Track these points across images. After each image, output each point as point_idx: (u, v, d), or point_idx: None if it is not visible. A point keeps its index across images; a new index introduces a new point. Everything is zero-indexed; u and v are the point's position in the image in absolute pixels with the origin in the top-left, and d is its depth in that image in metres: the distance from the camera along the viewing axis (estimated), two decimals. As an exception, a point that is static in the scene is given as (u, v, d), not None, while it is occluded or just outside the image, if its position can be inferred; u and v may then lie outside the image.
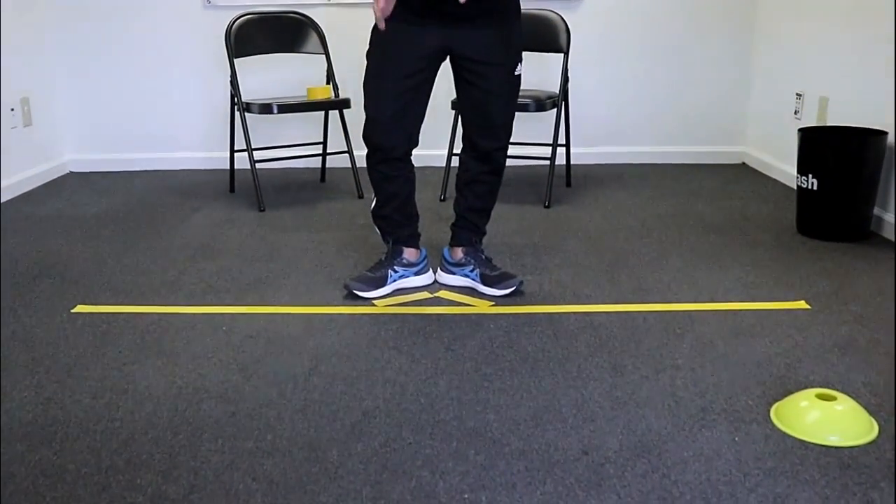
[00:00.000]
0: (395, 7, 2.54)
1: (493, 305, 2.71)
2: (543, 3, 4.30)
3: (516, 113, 2.77)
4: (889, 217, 3.35)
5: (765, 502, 1.66)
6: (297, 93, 4.29)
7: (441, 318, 2.60)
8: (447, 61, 2.67)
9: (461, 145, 2.84)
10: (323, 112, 4.36)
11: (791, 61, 4.30)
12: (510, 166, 2.99)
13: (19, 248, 3.40)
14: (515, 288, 2.77)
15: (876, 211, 3.39)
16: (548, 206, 3.91)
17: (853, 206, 3.29)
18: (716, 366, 2.25)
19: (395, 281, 2.81)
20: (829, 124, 3.82)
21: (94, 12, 4.72)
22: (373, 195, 2.81)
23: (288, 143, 4.61)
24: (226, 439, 1.91)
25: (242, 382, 2.19)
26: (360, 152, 2.73)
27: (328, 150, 4.45)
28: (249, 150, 4.02)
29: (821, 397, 1.95)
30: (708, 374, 2.21)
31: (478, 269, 2.82)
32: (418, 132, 2.69)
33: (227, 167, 4.34)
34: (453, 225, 2.89)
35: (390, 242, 2.83)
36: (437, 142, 4.43)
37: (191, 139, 4.90)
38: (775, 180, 4.41)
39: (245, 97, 4.07)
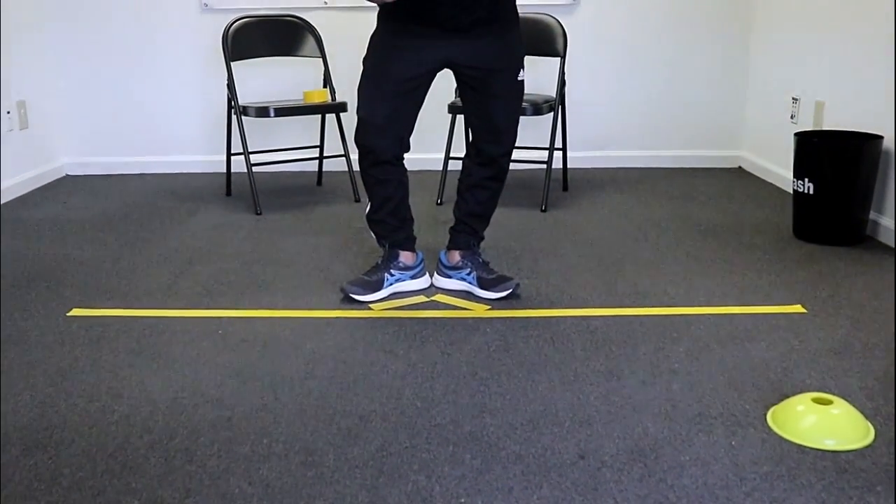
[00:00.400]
0: (397, 15, 2.55)
1: (489, 309, 2.70)
2: (540, 7, 4.30)
3: (513, 117, 2.78)
4: (885, 221, 3.35)
5: (761, 507, 1.66)
6: (294, 96, 4.29)
7: (437, 322, 2.60)
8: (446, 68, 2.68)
9: (465, 150, 2.84)
10: (320, 115, 4.36)
11: (787, 66, 4.30)
12: (507, 170, 2.99)
13: (15, 251, 3.39)
14: (512, 291, 2.77)
15: (872, 215, 3.39)
16: (544, 210, 3.91)
17: (849, 211, 3.30)
18: (712, 370, 2.25)
19: (391, 284, 2.81)
20: (825, 128, 3.82)
21: (91, 16, 4.72)
22: (368, 199, 2.80)
23: (285, 146, 4.61)
24: (221, 443, 1.91)
25: (238, 386, 2.19)
26: (357, 156, 2.73)
27: (325, 154, 4.45)
28: (246, 153, 4.01)
29: (817, 401, 1.95)
30: (704, 378, 2.21)
31: (474, 273, 2.82)
32: (409, 136, 2.69)
33: (224, 170, 4.34)
34: (452, 229, 2.89)
35: (386, 246, 2.83)
36: (434, 145, 4.43)
37: (187, 142, 4.89)
38: (771, 184, 4.42)
39: (242, 100, 4.07)
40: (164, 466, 1.82)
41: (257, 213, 3.92)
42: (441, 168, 4.17)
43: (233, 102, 4.04)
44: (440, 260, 2.90)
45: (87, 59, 4.78)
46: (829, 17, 3.85)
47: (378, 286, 2.78)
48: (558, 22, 4.11)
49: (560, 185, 4.33)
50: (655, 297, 2.80)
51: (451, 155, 4.14)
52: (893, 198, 3.32)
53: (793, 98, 4.21)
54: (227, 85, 4.05)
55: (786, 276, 2.99)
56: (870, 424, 1.95)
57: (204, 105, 4.79)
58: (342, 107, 4.07)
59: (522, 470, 1.79)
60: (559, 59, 4.10)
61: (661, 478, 1.75)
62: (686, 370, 2.25)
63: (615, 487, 1.72)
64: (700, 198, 4.16)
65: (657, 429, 1.95)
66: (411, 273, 2.85)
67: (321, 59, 4.29)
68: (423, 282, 2.88)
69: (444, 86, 2.97)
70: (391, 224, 2.80)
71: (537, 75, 4.40)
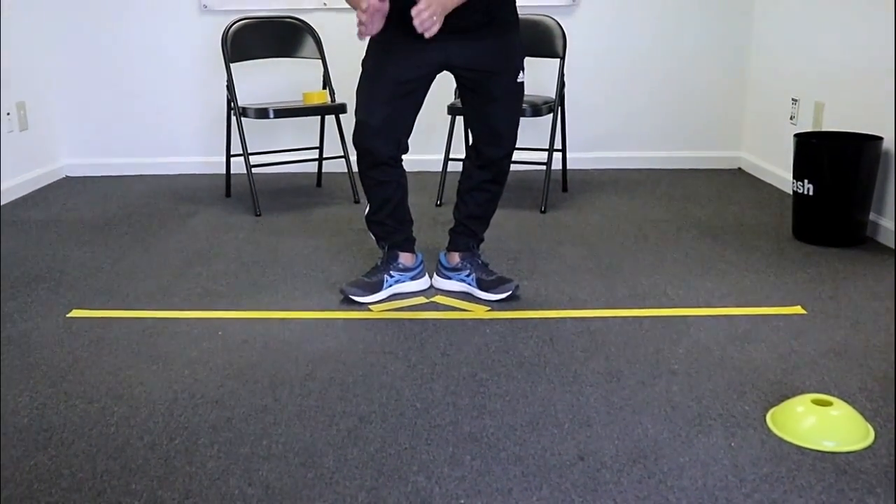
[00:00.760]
0: (395, 18, 2.54)
1: (489, 310, 2.70)
2: (540, 8, 4.30)
3: (512, 119, 2.77)
4: (885, 222, 3.35)
5: (761, 508, 1.66)
6: (294, 98, 4.29)
7: (437, 323, 2.60)
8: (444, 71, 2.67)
9: (465, 152, 2.84)
10: (319, 117, 4.37)
11: (787, 67, 4.31)
12: (506, 171, 2.99)
13: (15, 252, 3.39)
14: (511, 293, 2.77)
15: (872, 216, 3.39)
16: (544, 211, 3.91)
17: (849, 212, 3.30)
18: (712, 371, 2.25)
19: (391, 286, 2.81)
20: (824, 130, 3.82)
21: (91, 17, 4.72)
22: (366, 201, 2.80)
23: (284, 147, 4.62)
24: (221, 444, 1.91)
25: (238, 387, 2.19)
26: (356, 157, 2.73)
27: (324, 155, 4.45)
28: (245, 154, 4.01)
29: (817, 403, 1.95)
30: (704, 379, 2.21)
31: (474, 274, 2.82)
32: (407, 138, 2.68)
33: (224, 172, 4.34)
34: (451, 230, 2.89)
35: (385, 248, 2.83)
36: (433, 147, 4.44)
37: (187, 144, 4.90)
38: (771, 185, 4.42)
39: (241, 102, 4.07)
40: (163, 467, 1.82)
41: (257, 215, 3.92)
42: (441, 169, 4.17)
43: (232, 104, 4.04)
44: (440, 261, 2.90)
45: (87, 60, 4.78)
46: (829, 18, 3.85)
47: (378, 287, 2.78)
48: (558, 23, 4.11)
49: (559, 186, 4.33)
50: (655, 298, 2.80)
51: (451, 156, 4.15)
52: (893, 199, 3.32)
53: (792, 99, 4.21)
54: (227, 86, 4.05)
55: (785, 277, 2.99)
56: (869, 426, 1.95)
57: (203, 106, 4.80)
58: (342, 108, 4.07)
59: (522, 471, 1.79)
60: (559, 60, 4.10)
61: (660, 479, 1.75)
62: (685, 371, 2.25)
63: (615, 489, 1.72)
64: (700, 199, 4.16)
65: (657, 430, 1.95)
66: (411, 274, 2.85)
67: (321, 61, 4.29)
68: (422, 283, 2.88)
69: (444, 87, 2.97)
70: (390, 226, 2.80)
71: (537, 76, 4.40)
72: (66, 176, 4.89)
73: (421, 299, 2.81)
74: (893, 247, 3.28)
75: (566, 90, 4.19)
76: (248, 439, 1.93)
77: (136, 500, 1.70)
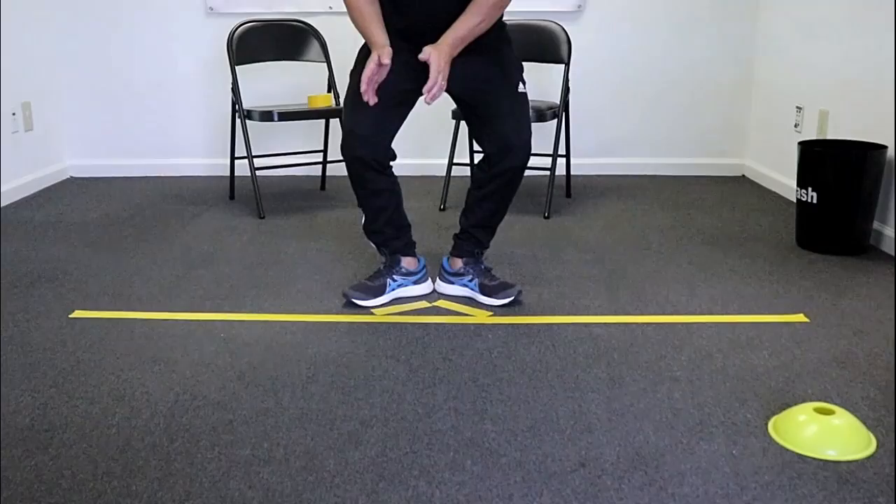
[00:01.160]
0: (390, 32, 2.56)
1: (491, 315, 2.70)
2: (544, 14, 4.31)
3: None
4: (888, 231, 3.35)
5: (762, 516, 1.66)
6: (298, 100, 4.30)
7: (439, 328, 2.60)
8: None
9: (477, 161, 2.82)
10: (324, 120, 4.37)
11: (791, 74, 4.31)
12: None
13: (18, 252, 3.40)
14: (514, 298, 2.77)
15: (875, 225, 3.39)
16: (547, 217, 3.91)
17: (852, 220, 3.29)
18: (714, 378, 2.25)
19: (393, 290, 2.81)
20: (829, 138, 3.82)
21: (97, 18, 4.73)
22: (362, 212, 2.78)
23: (288, 150, 4.62)
24: (222, 447, 1.91)
25: (240, 390, 2.19)
26: (346, 168, 2.70)
27: (328, 158, 4.45)
28: (250, 157, 4.02)
29: (819, 411, 1.95)
30: (706, 386, 2.21)
31: (476, 279, 2.82)
32: (391, 142, 2.65)
33: (228, 174, 4.34)
34: (457, 236, 2.88)
35: (387, 254, 2.83)
36: (437, 151, 4.44)
37: (191, 146, 4.90)
38: (775, 193, 4.42)
39: (246, 104, 4.08)
40: (164, 469, 1.82)
41: (260, 217, 3.92)
42: (444, 174, 4.17)
43: (237, 106, 4.05)
44: (442, 266, 2.90)
45: (93, 61, 4.79)
46: (834, 26, 3.85)
47: (380, 291, 2.78)
48: (563, 29, 4.11)
49: (563, 191, 4.34)
50: (658, 304, 2.80)
51: (455, 161, 4.15)
52: (897, 208, 3.32)
53: (797, 107, 4.21)
54: (232, 89, 4.06)
55: (788, 285, 2.99)
56: (871, 435, 1.94)
57: (208, 109, 4.81)
58: (346, 111, 4.07)
59: (523, 476, 1.79)
60: (563, 66, 4.11)
61: (661, 486, 1.75)
62: (688, 378, 2.25)
63: (615, 495, 1.72)
64: (703, 206, 4.16)
65: (658, 437, 1.95)
66: (413, 279, 2.85)
67: (325, 64, 4.30)
68: (425, 287, 2.88)
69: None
70: (389, 233, 2.79)
71: (541, 82, 4.41)
72: (71, 177, 4.90)
73: (423, 303, 2.81)
74: (895, 256, 3.28)
75: (570, 96, 4.19)
76: (249, 442, 1.93)
77: (136, 502, 1.70)
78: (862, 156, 3.26)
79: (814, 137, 3.95)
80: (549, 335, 2.54)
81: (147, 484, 1.76)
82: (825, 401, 2.11)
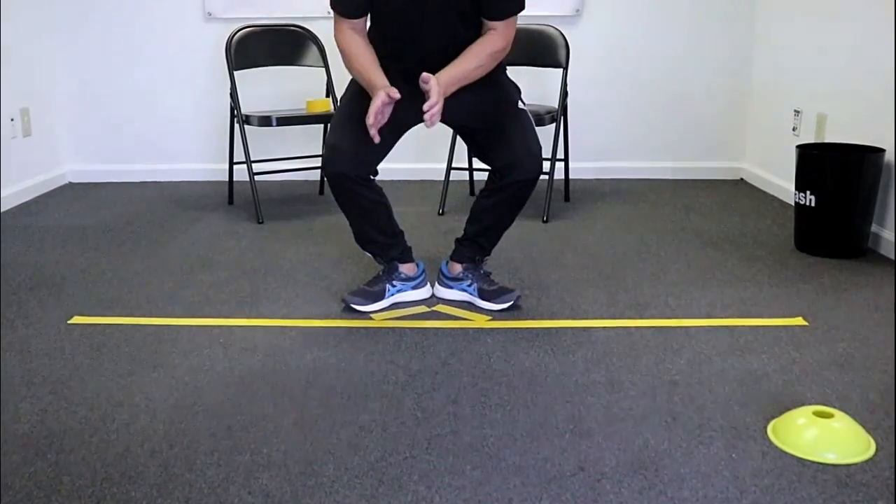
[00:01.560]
0: (389, 64, 2.56)
1: (490, 320, 2.70)
2: (543, 18, 4.31)
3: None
4: (887, 234, 3.35)
5: (761, 520, 1.66)
6: (297, 105, 4.30)
7: (438, 333, 2.60)
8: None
9: (472, 163, 2.81)
10: (322, 125, 4.37)
11: (789, 78, 4.31)
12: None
13: (17, 258, 3.40)
14: (513, 302, 2.77)
15: (874, 228, 3.39)
16: (546, 221, 3.91)
17: (851, 223, 3.30)
18: (713, 382, 2.25)
19: (392, 295, 2.81)
20: (827, 141, 3.82)
21: (95, 23, 4.74)
22: (351, 227, 2.77)
23: (287, 155, 4.62)
24: (221, 453, 1.91)
25: (238, 395, 2.19)
26: (329, 185, 2.68)
27: (327, 163, 4.45)
28: (248, 162, 4.02)
29: (818, 414, 1.95)
30: (705, 390, 2.21)
31: (475, 284, 2.81)
32: (377, 164, 2.63)
33: (226, 179, 4.34)
34: (459, 241, 2.86)
35: (384, 262, 2.82)
36: (435, 156, 4.45)
37: (190, 151, 4.91)
38: (773, 196, 4.42)
39: (245, 109, 4.08)
40: (163, 475, 1.81)
41: (259, 222, 3.92)
42: (443, 178, 4.17)
43: (235, 111, 4.05)
44: (441, 270, 2.90)
45: (91, 66, 4.79)
46: (831, 29, 3.85)
47: (379, 296, 2.78)
48: (561, 33, 4.12)
49: (562, 195, 4.34)
50: (657, 308, 2.80)
51: (453, 165, 4.15)
52: (894, 211, 3.32)
53: (795, 110, 4.22)
54: (230, 94, 4.06)
55: (787, 288, 2.99)
56: (871, 438, 1.94)
57: (207, 114, 4.81)
58: (345, 116, 4.07)
59: (522, 481, 1.79)
60: (561, 69, 4.11)
61: (661, 490, 1.75)
62: (687, 382, 2.25)
63: (615, 499, 1.72)
64: (701, 209, 4.16)
65: (657, 441, 1.95)
66: (412, 284, 2.85)
67: (324, 69, 4.30)
68: (424, 292, 2.88)
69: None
70: (383, 242, 2.78)
71: (540, 86, 4.42)
72: (69, 182, 4.90)
73: (422, 308, 2.81)
74: (894, 258, 3.28)
75: (569, 100, 4.19)
76: (248, 447, 1.93)
77: (135, 508, 1.70)
78: (860, 159, 3.26)
79: (812, 141, 3.96)
80: (547, 339, 2.54)
81: (146, 490, 1.76)
82: (824, 404, 2.11)
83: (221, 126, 4.53)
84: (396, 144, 2.68)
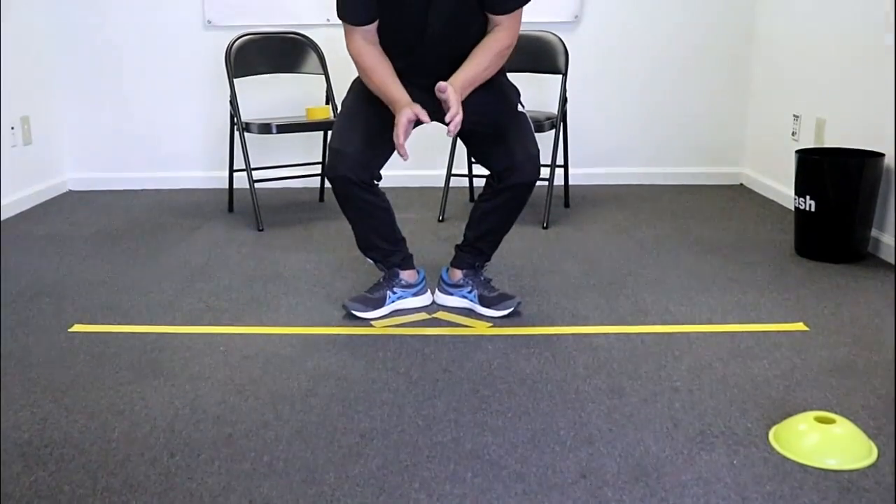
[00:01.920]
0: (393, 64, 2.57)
1: (491, 327, 2.70)
2: (542, 25, 4.32)
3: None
4: (886, 238, 3.35)
5: (763, 526, 1.66)
6: (297, 113, 4.30)
7: (439, 340, 2.60)
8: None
9: (472, 170, 2.81)
10: (322, 132, 4.38)
11: (788, 83, 4.32)
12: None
13: (17, 266, 3.40)
14: (513, 309, 2.77)
15: (873, 233, 3.39)
16: (546, 227, 3.91)
17: (851, 228, 3.30)
18: (714, 388, 2.25)
19: (393, 302, 2.81)
20: (826, 146, 3.83)
21: (95, 31, 4.74)
22: (353, 233, 2.77)
23: (287, 162, 4.63)
24: (222, 461, 1.90)
25: (239, 403, 2.18)
26: (333, 190, 2.68)
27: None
28: (248, 169, 4.02)
29: (819, 420, 1.95)
30: (706, 396, 2.20)
31: (476, 291, 2.81)
32: (380, 168, 2.63)
33: (226, 186, 4.35)
34: (458, 248, 2.86)
35: (385, 269, 2.83)
36: (435, 162, 4.45)
37: (190, 158, 4.91)
38: (773, 201, 4.42)
39: (244, 117, 4.08)
40: (164, 483, 1.81)
41: (259, 230, 3.93)
42: (443, 185, 4.17)
43: (235, 119, 4.06)
44: (441, 277, 2.90)
45: (91, 74, 4.80)
46: (829, 35, 3.86)
47: (380, 303, 2.78)
48: (560, 39, 4.12)
49: (562, 201, 4.34)
50: (657, 314, 2.80)
51: (453, 172, 4.16)
52: (894, 215, 3.32)
53: (794, 115, 4.22)
54: (230, 101, 4.07)
55: (788, 293, 2.99)
56: (872, 444, 1.94)
57: (207, 121, 4.81)
58: (344, 123, 4.07)
59: (524, 489, 1.78)
60: (560, 76, 4.12)
61: (662, 497, 1.75)
62: (688, 388, 2.25)
63: (617, 506, 1.72)
64: (701, 215, 4.16)
65: (659, 447, 1.95)
66: (413, 291, 2.84)
67: (324, 76, 4.31)
68: (424, 299, 2.88)
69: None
70: (385, 249, 2.78)
71: (539, 92, 4.42)
72: (70, 190, 4.90)
73: (423, 315, 2.81)
74: (894, 263, 3.28)
75: (568, 106, 4.20)
76: (249, 456, 1.93)
77: (136, 517, 1.70)
78: (859, 164, 3.26)
79: (811, 146, 3.96)
80: (548, 346, 2.54)
81: (147, 499, 1.76)
82: (826, 410, 2.11)
83: (221, 133, 4.54)
84: (395, 156, 2.68)
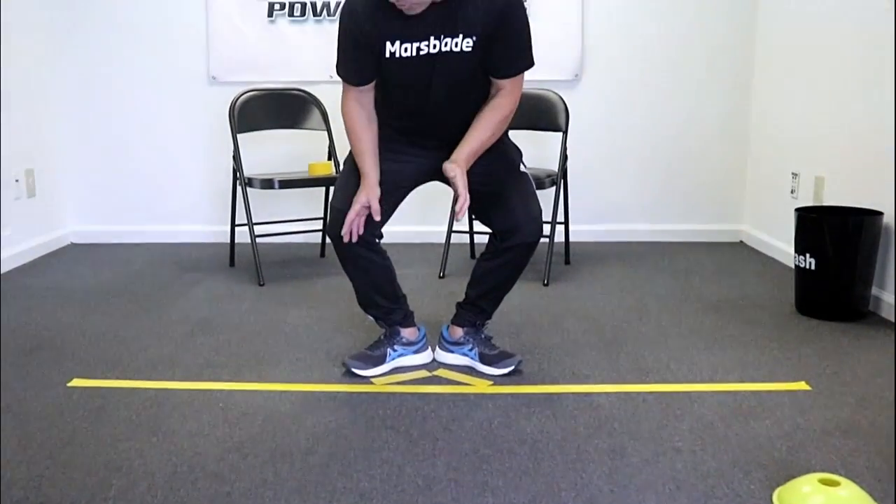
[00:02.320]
0: (394, 122, 2.59)
1: (491, 385, 2.69)
2: (542, 83, 4.37)
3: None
4: (887, 297, 3.36)
5: (769, 592, 1.63)
6: (299, 168, 4.33)
7: (439, 398, 2.58)
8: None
9: (473, 226, 2.83)
10: (324, 188, 4.40)
11: (786, 141, 4.36)
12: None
13: (17, 319, 3.39)
14: (514, 367, 2.75)
15: (874, 291, 3.39)
16: (546, 284, 3.92)
17: (851, 286, 3.30)
18: (717, 448, 2.23)
19: (393, 359, 2.79)
20: (825, 204, 3.85)
21: (101, 85, 4.80)
22: (354, 289, 2.77)
23: (288, 217, 4.65)
24: (220, 520, 1.88)
25: (238, 461, 2.16)
26: (333, 248, 2.69)
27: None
28: (250, 224, 4.04)
29: (824, 482, 1.92)
30: (709, 457, 2.18)
31: (476, 348, 2.80)
32: (381, 227, 2.64)
33: (228, 241, 4.36)
34: (460, 305, 2.86)
35: (386, 326, 2.82)
36: (436, 218, 4.47)
37: (193, 213, 4.93)
38: (773, 259, 4.43)
39: (247, 172, 4.11)
40: (161, 544, 1.79)
41: (260, 284, 3.93)
42: (443, 241, 4.18)
43: (238, 174, 4.08)
44: (442, 334, 2.89)
45: (96, 127, 4.85)
46: (828, 93, 3.91)
47: (380, 361, 2.77)
48: (560, 97, 4.17)
49: (562, 258, 4.35)
50: (658, 373, 2.79)
51: (454, 229, 4.17)
52: (894, 273, 3.32)
53: (792, 173, 4.25)
54: (233, 156, 4.10)
55: (789, 352, 2.98)
56: (877, 507, 1.92)
57: (210, 176, 4.85)
58: (346, 179, 4.10)
59: (525, 551, 1.76)
60: (561, 133, 4.15)
61: (666, 561, 1.72)
62: (690, 448, 2.23)
63: (619, 570, 1.69)
64: (702, 272, 4.17)
65: (662, 509, 1.92)
66: (414, 348, 2.84)
67: (326, 132, 4.35)
68: (425, 356, 2.87)
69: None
70: (386, 306, 2.78)
71: (540, 150, 4.46)
72: (72, 243, 4.92)
73: (423, 373, 2.80)
74: (894, 321, 3.28)
75: (569, 163, 4.23)
76: (247, 515, 1.90)
77: (132, 578, 1.67)
78: (858, 222, 3.28)
79: (810, 203, 3.98)
80: (549, 405, 2.52)
81: (143, 559, 1.73)
82: (830, 471, 2.09)
83: (224, 188, 4.56)
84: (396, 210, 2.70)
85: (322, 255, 4.54)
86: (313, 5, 4.70)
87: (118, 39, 4.77)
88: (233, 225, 4.26)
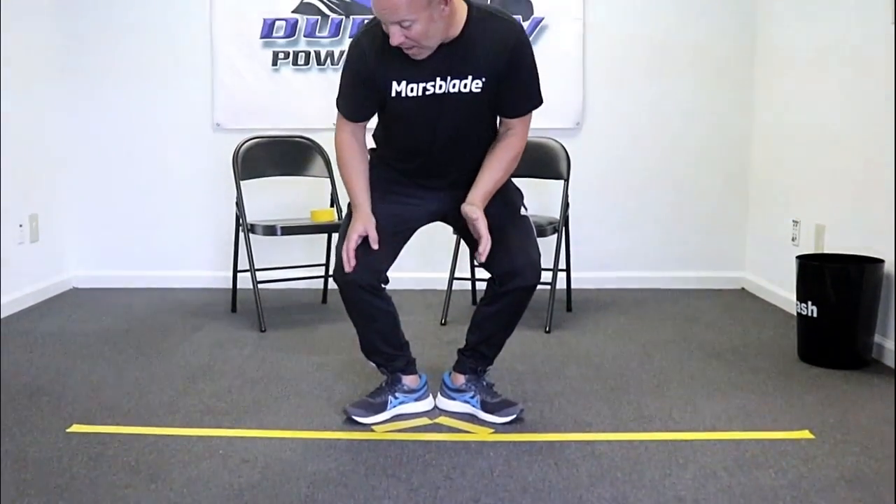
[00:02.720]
0: (400, 165, 2.61)
1: (493, 433, 2.67)
2: (544, 131, 4.40)
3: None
4: (889, 344, 3.35)
5: None
6: (302, 215, 4.35)
7: (440, 446, 2.57)
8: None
9: (475, 273, 2.83)
10: (326, 234, 4.41)
11: (787, 189, 4.38)
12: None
13: (17, 364, 3.38)
14: (516, 416, 2.74)
15: (876, 338, 3.39)
16: (548, 332, 3.91)
17: (853, 334, 3.30)
18: (720, 498, 2.21)
19: (394, 406, 2.78)
20: (826, 252, 3.86)
21: (105, 132, 4.85)
22: (357, 335, 2.77)
23: (291, 263, 4.65)
24: (218, 570, 1.86)
25: (237, 509, 2.15)
26: (339, 292, 2.70)
27: (330, 273, 4.48)
28: (252, 270, 4.04)
29: (828, 533, 1.91)
30: (712, 506, 2.17)
31: (478, 396, 2.79)
32: (386, 271, 2.65)
33: (230, 287, 4.36)
34: (461, 352, 2.85)
35: (388, 373, 2.82)
36: (438, 265, 4.47)
37: (195, 258, 4.94)
38: (775, 306, 4.43)
39: (250, 218, 4.12)
40: None
41: (262, 331, 3.92)
42: (445, 288, 4.18)
43: (241, 220, 4.10)
44: (444, 381, 2.88)
45: (99, 173, 4.89)
46: (828, 141, 3.93)
47: (381, 408, 2.76)
48: (561, 145, 4.20)
49: (564, 305, 4.34)
50: (661, 421, 2.77)
51: (456, 275, 4.18)
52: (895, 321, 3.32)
53: (793, 221, 4.27)
54: (236, 203, 4.12)
55: (792, 400, 2.97)
56: (883, 558, 1.90)
57: (213, 222, 4.87)
58: (349, 225, 4.12)
59: None
60: (563, 181, 4.18)
61: None
62: (693, 498, 2.21)
63: None
64: (704, 319, 4.16)
65: (665, 560, 1.90)
66: (415, 396, 2.82)
67: (329, 179, 4.37)
68: (426, 404, 2.86)
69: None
70: (388, 353, 2.78)
71: (541, 197, 4.48)
72: (74, 287, 4.92)
73: (424, 420, 2.79)
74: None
75: (570, 210, 4.25)
76: (245, 565, 1.88)
77: None
78: (860, 270, 3.29)
79: (812, 251, 3.99)
80: (551, 453, 2.51)
81: None
82: (834, 522, 2.07)
83: (226, 234, 4.58)
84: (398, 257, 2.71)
85: (324, 301, 4.54)
86: (317, 54, 4.76)
87: (124, 86, 4.82)
88: (235, 271, 4.27)
